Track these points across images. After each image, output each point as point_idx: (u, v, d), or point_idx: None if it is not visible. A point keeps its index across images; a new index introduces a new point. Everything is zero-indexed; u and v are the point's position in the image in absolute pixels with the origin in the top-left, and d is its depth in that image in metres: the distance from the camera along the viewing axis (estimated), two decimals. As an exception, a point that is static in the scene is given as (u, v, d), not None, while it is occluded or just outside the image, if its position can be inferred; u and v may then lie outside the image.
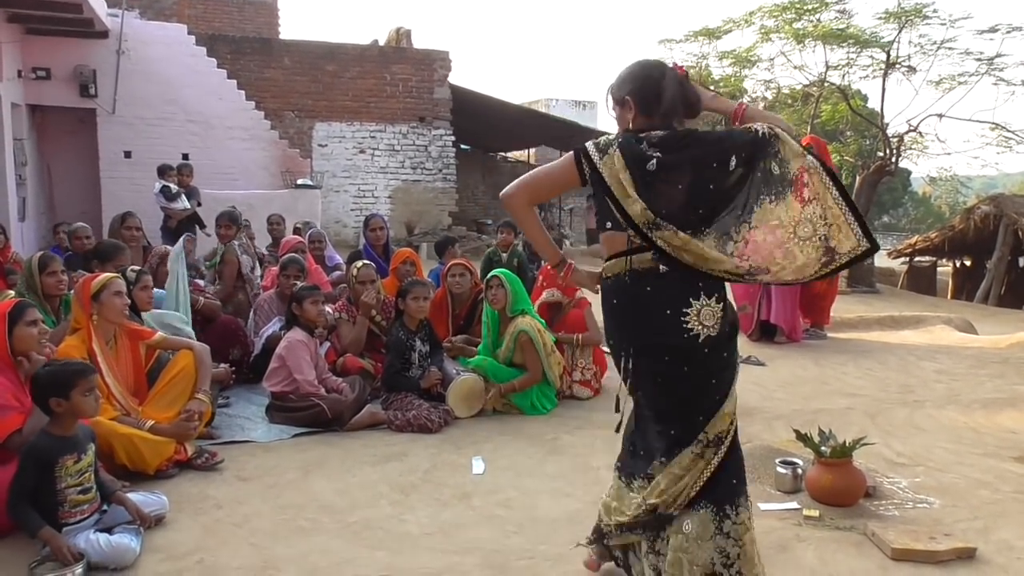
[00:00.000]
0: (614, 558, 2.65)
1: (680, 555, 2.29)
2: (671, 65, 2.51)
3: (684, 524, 2.31)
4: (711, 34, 18.62)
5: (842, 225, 2.22)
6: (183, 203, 9.33)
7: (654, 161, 2.31)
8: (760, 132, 2.35)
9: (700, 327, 2.31)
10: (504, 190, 2.51)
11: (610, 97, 2.53)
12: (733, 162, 2.32)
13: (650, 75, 2.47)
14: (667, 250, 2.28)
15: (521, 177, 2.55)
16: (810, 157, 2.29)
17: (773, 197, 2.27)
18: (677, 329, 2.31)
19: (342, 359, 5.09)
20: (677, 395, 2.37)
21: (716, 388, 2.39)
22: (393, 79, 14.78)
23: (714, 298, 2.33)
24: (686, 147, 2.35)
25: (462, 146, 18.02)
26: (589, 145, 2.43)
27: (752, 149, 2.33)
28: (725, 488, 2.33)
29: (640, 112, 2.45)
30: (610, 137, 2.44)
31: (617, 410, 2.53)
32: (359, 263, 5.44)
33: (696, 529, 2.29)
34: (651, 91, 2.44)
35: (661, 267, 2.32)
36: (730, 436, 2.40)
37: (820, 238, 2.22)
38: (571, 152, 2.46)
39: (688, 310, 2.30)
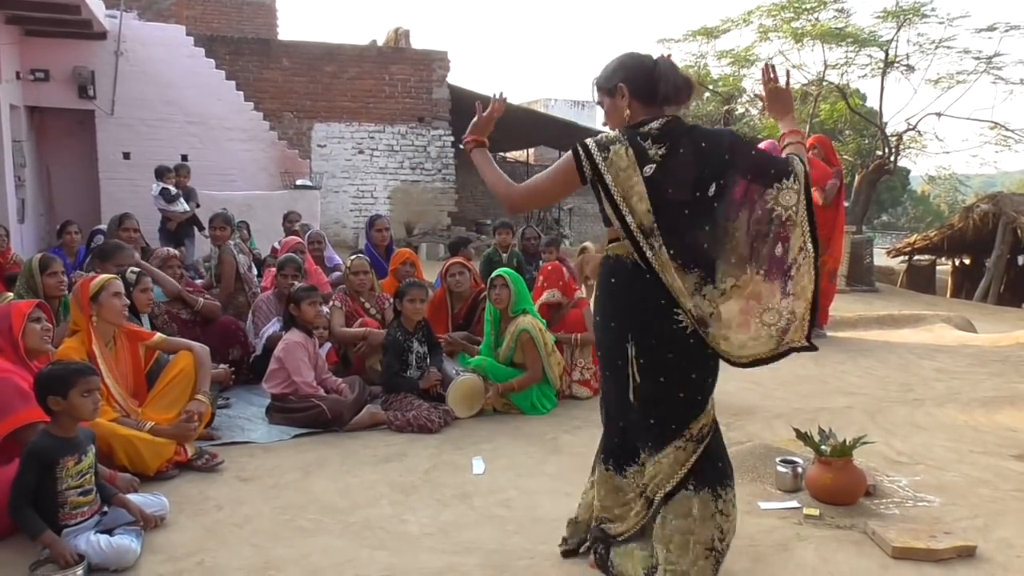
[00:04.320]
0: (595, 554, 2.69)
1: (687, 536, 2.39)
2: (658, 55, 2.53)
3: (692, 508, 2.40)
4: (709, 33, 18.65)
5: (803, 324, 2.34)
6: (182, 205, 9.32)
7: (653, 166, 2.35)
8: (791, 164, 2.41)
9: (688, 321, 2.36)
10: (506, 202, 2.61)
11: (596, 89, 2.55)
12: (719, 184, 2.36)
13: (642, 62, 2.49)
14: (652, 260, 2.34)
15: (523, 185, 2.60)
16: (810, 244, 2.34)
17: (763, 274, 2.34)
18: (668, 319, 2.37)
19: (362, 319, 5.22)
20: (662, 383, 2.41)
21: (698, 384, 2.44)
22: (392, 79, 14.79)
23: None
24: (688, 144, 2.37)
25: (461, 146, 18.01)
26: (590, 142, 2.42)
27: (761, 173, 2.37)
28: (714, 472, 2.45)
29: (634, 98, 2.46)
30: (612, 134, 2.44)
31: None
32: (353, 256, 5.50)
33: (700, 511, 2.40)
34: (645, 77, 2.45)
35: None
36: (711, 429, 2.48)
37: (779, 330, 2.34)
38: (569, 152, 2.46)
39: (679, 308, 2.35)
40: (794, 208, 2.34)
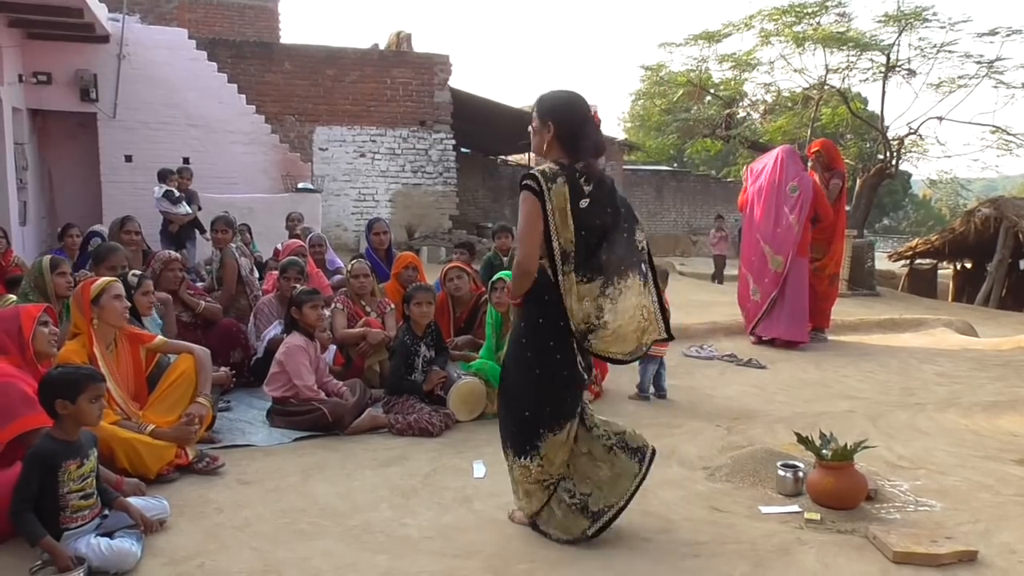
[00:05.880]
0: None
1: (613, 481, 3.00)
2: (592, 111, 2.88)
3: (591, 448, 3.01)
4: (711, 37, 18.67)
5: (657, 322, 2.87)
6: (185, 208, 9.34)
7: (587, 200, 2.76)
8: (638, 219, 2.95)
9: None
10: (519, 271, 2.81)
11: (535, 113, 2.82)
12: (632, 223, 2.89)
13: (576, 112, 2.81)
14: (561, 282, 2.75)
15: (518, 253, 2.84)
16: (649, 272, 2.91)
17: (642, 281, 2.83)
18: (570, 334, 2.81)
19: (364, 319, 5.24)
20: (565, 378, 2.87)
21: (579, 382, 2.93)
22: (393, 83, 14.81)
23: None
24: (608, 195, 2.83)
25: (463, 150, 18.06)
26: (536, 172, 2.75)
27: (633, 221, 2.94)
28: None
29: (556, 139, 2.79)
30: (555, 167, 2.77)
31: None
32: (353, 259, 5.55)
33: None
34: (573, 128, 2.78)
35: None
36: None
37: (647, 321, 2.82)
38: (523, 191, 2.75)
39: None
40: (646, 243, 2.93)
